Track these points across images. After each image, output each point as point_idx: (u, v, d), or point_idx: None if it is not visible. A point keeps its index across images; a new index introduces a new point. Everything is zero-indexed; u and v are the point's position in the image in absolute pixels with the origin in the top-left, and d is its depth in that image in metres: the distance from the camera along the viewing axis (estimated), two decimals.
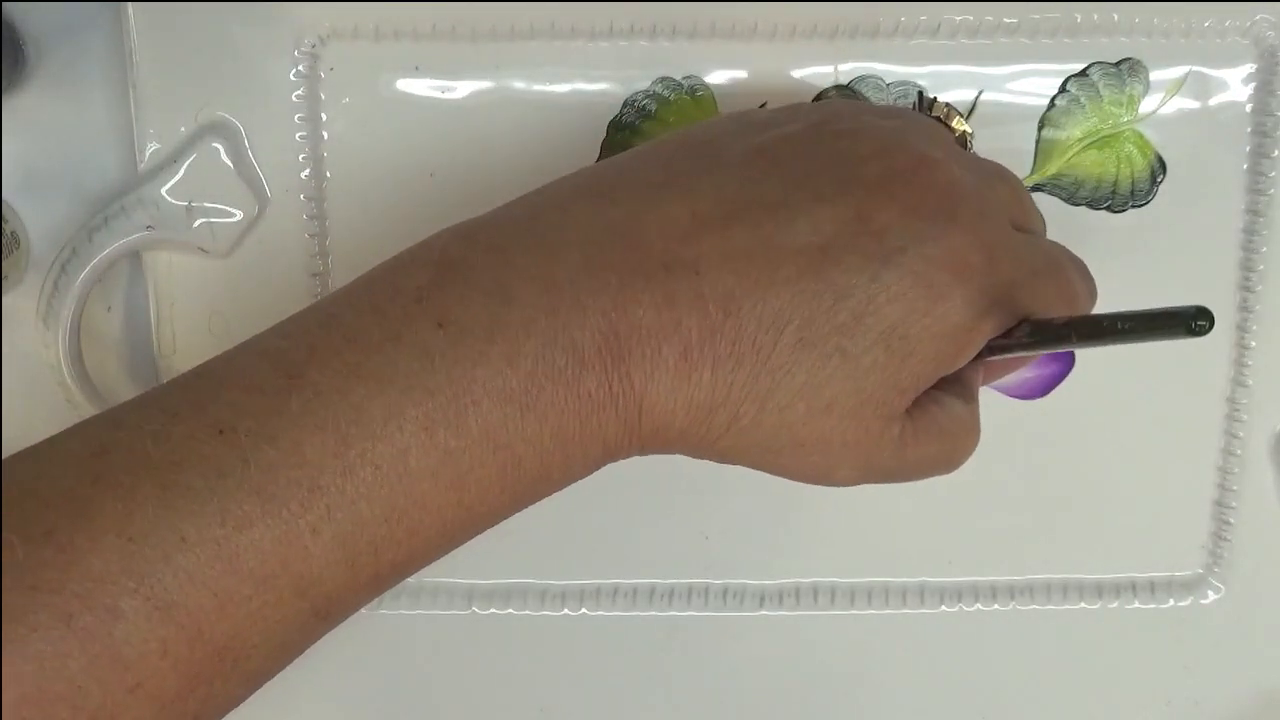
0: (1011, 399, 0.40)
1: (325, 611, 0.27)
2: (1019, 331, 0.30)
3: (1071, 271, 0.32)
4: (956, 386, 0.32)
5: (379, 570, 0.27)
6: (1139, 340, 0.27)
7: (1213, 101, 0.38)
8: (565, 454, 0.28)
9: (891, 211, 0.29)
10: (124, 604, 0.24)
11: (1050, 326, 0.29)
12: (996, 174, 0.33)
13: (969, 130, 0.37)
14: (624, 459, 0.30)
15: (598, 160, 0.38)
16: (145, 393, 0.28)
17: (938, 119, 0.36)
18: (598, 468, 0.30)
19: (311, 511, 0.26)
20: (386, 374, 0.26)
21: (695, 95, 0.38)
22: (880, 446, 0.30)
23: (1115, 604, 0.41)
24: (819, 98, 0.38)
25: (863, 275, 0.28)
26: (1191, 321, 0.25)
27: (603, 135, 0.38)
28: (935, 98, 0.37)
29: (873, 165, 0.29)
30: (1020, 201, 0.33)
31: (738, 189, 0.29)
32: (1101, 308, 0.39)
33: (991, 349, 0.30)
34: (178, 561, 0.25)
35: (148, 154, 0.37)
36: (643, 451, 0.30)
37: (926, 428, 0.31)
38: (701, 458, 0.30)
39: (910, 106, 0.38)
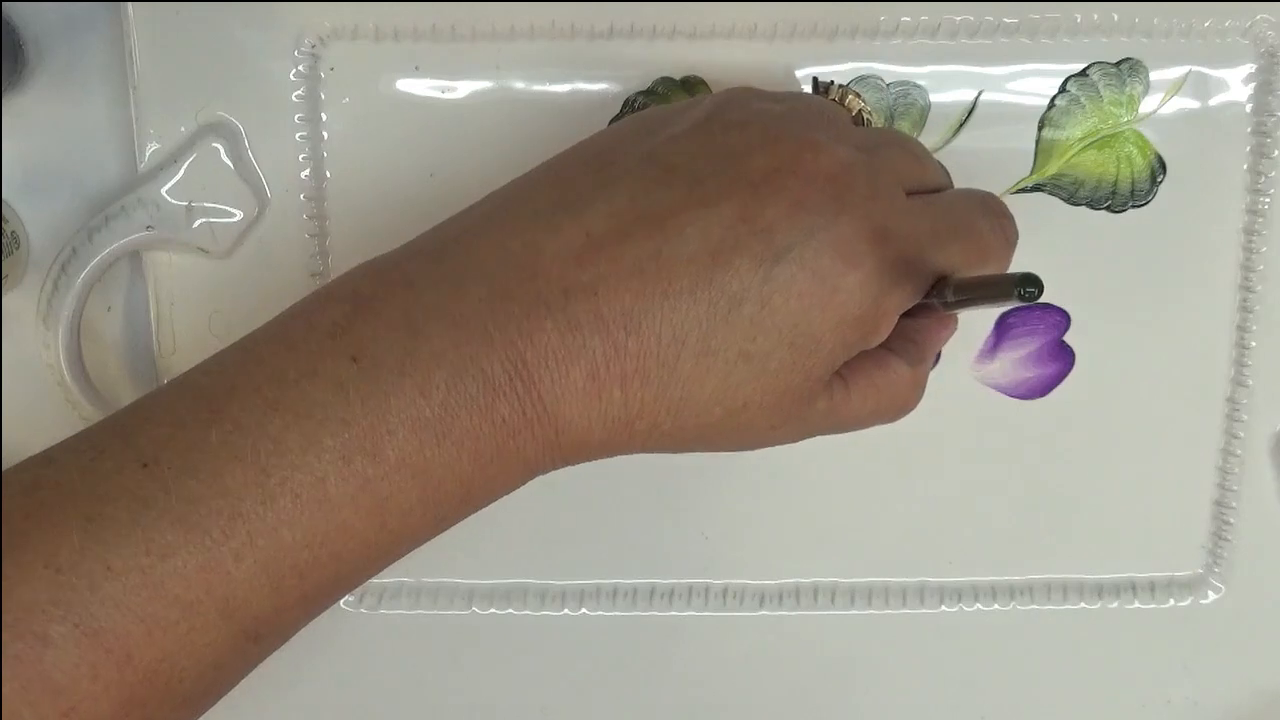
0: (1011, 399, 0.40)
1: (255, 633, 0.28)
2: (934, 293, 0.31)
3: (979, 221, 0.32)
4: (907, 346, 0.33)
5: (306, 592, 0.28)
6: (989, 304, 0.30)
7: (1213, 101, 0.38)
8: (485, 475, 0.29)
9: (778, 208, 0.29)
10: (53, 631, 0.25)
11: (943, 287, 0.31)
12: (889, 141, 0.33)
13: (866, 107, 0.36)
14: (551, 471, 0.30)
15: None
16: (80, 431, 0.29)
17: (834, 102, 0.36)
18: (522, 484, 0.30)
19: (233, 539, 0.27)
20: (303, 407, 0.28)
21: (695, 95, 0.38)
22: (807, 420, 0.31)
23: (1115, 604, 0.41)
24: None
25: (754, 277, 0.29)
26: (1020, 288, 0.27)
27: None
28: (831, 81, 0.37)
29: (758, 158, 0.30)
30: (917, 163, 0.33)
31: (628, 203, 0.30)
32: (1102, 306, 0.39)
33: (915, 311, 0.31)
34: (104, 590, 0.26)
35: (148, 154, 0.37)
36: (567, 463, 0.30)
37: (862, 389, 0.31)
38: (636, 453, 0.31)
39: (810, 91, 0.37)
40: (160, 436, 0.27)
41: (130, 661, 0.26)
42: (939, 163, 0.35)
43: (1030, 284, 0.27)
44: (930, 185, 0.33)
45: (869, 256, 0.29)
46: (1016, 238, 0.34)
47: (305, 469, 0.27)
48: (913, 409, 0.33)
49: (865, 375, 0.31)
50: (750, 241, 0.29)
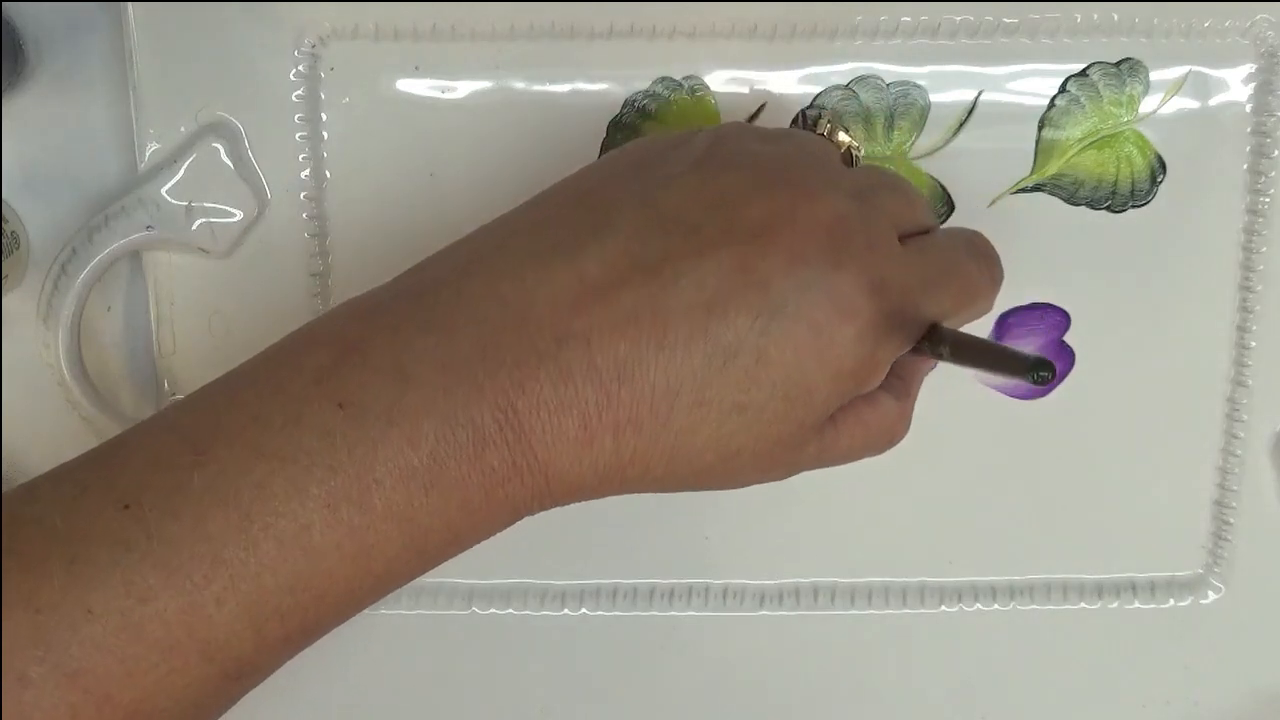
0: (1011, 399, 0.40)
1: (237, 674, 0.28)
2: (926, 342, 0.31)
3: (968, 264, 0.32)
4: (894, 382, 0.32)
5: (288, 634, 0.28)
6: (997, 372, 0.30)
7: (1213, 101, 0.38)
8: (473, 521, 0.29)
9: (775, 259, 0.29)
10: (32, 672, 0.25)
11: (939, 339, 0.31)
12: (880, 184, 0.32)
13: (855, 144, 0.36)
14: (540, 512, 0.30)
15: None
16: (64, 463, 0.29)
17: (822, 135, 0.36)
18: (510, 525, 0.30)
19: (215, 583, 0.26)
20: (288, 453, 0.27)
21: (695, 95, 0.38)
22: (798, 462, 0.31)
23: (1115, 604, 0.41)
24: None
25: (750, 329, 0.28)
26: (1033, 372, 0.27)
27: (603, 135, 0.38)
28: (820, 114, 0.37)
29: (754, 207, 0.29)
30: (909, 206, 0.33)
31: (623, 248, 0.29)
32: (1102, 306, 0.39)
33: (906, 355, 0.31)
34: (84, 631, 0.26)
35: (148, 154, 0.37)
36: (557, 505, 0.30)
37: (850, 427, 0.31)
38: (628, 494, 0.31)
39: (796, 124, 0.37)
40: (142, 477, 0.27)
41: (109, 702, 0.26)
42: (927, 200, 0.34)
43: (1044, 369, 0.27)
44: (921, 227, 0.33)
45: (865, 309, 0.29)
46: (1002, 278, 0.33)
47: (289, 516, 0.27)
48: (901, 440, 0.33)
49: (854, 414, 0.31)
50: (746, 293, 0.28)
